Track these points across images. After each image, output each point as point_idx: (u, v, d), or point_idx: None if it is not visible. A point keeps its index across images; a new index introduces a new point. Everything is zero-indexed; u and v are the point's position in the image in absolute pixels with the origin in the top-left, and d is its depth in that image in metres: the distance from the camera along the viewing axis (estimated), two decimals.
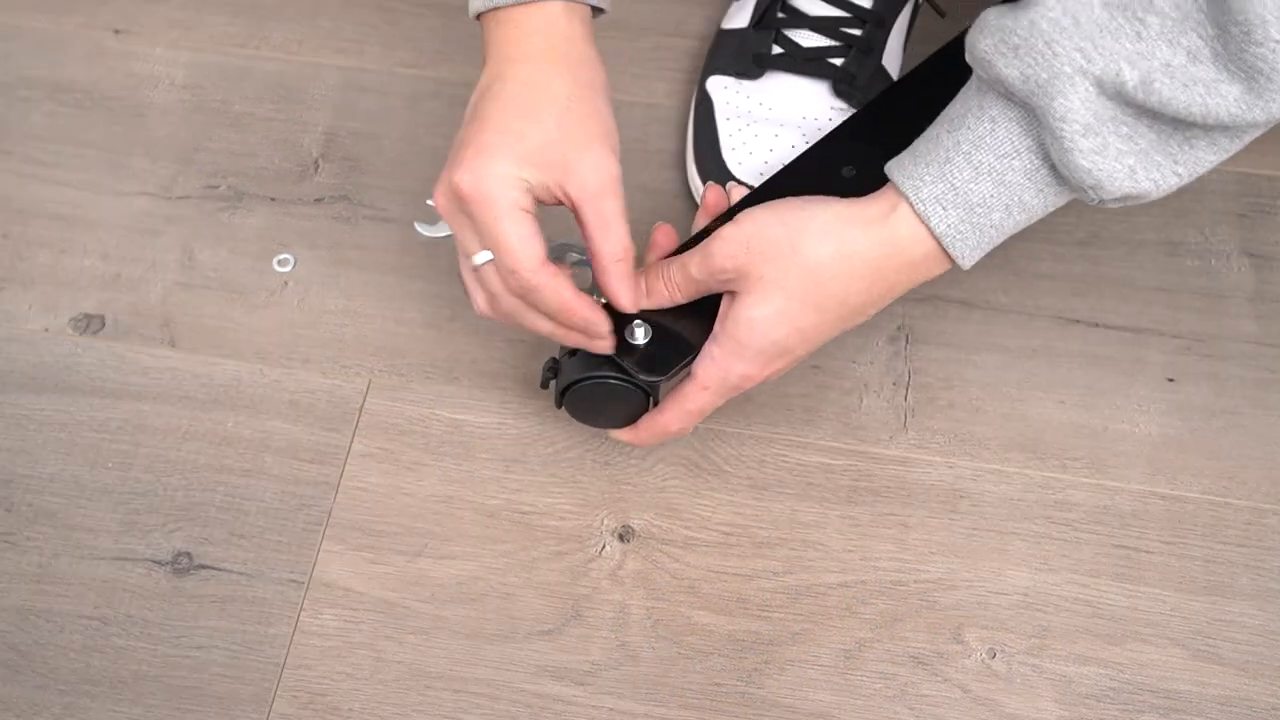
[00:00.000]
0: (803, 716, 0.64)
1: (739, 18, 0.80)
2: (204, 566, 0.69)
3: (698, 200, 0.74)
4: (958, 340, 0.75)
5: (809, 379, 0.74)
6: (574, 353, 0.63)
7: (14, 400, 0.74)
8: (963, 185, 0.55)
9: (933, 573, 0.68)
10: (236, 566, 0.69)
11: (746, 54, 0.78)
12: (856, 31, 0.77)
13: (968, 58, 0.55)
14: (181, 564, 0.69)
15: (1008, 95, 0.53)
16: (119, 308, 0.77)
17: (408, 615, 0.67)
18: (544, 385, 0.65)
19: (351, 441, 0.72)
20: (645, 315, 0.62)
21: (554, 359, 0.65)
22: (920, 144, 0.57)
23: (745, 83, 0.78)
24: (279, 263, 0.78)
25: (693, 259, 0.60)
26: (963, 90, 0.57)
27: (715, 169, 0.75)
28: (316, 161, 0.82)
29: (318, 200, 0.81)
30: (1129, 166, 0.52)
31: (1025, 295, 0.76)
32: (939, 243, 0.57)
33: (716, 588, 0.68)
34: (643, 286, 0.62)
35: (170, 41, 0.88)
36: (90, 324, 0.76)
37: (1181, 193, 0.79)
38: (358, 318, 0.76)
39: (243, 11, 0.89)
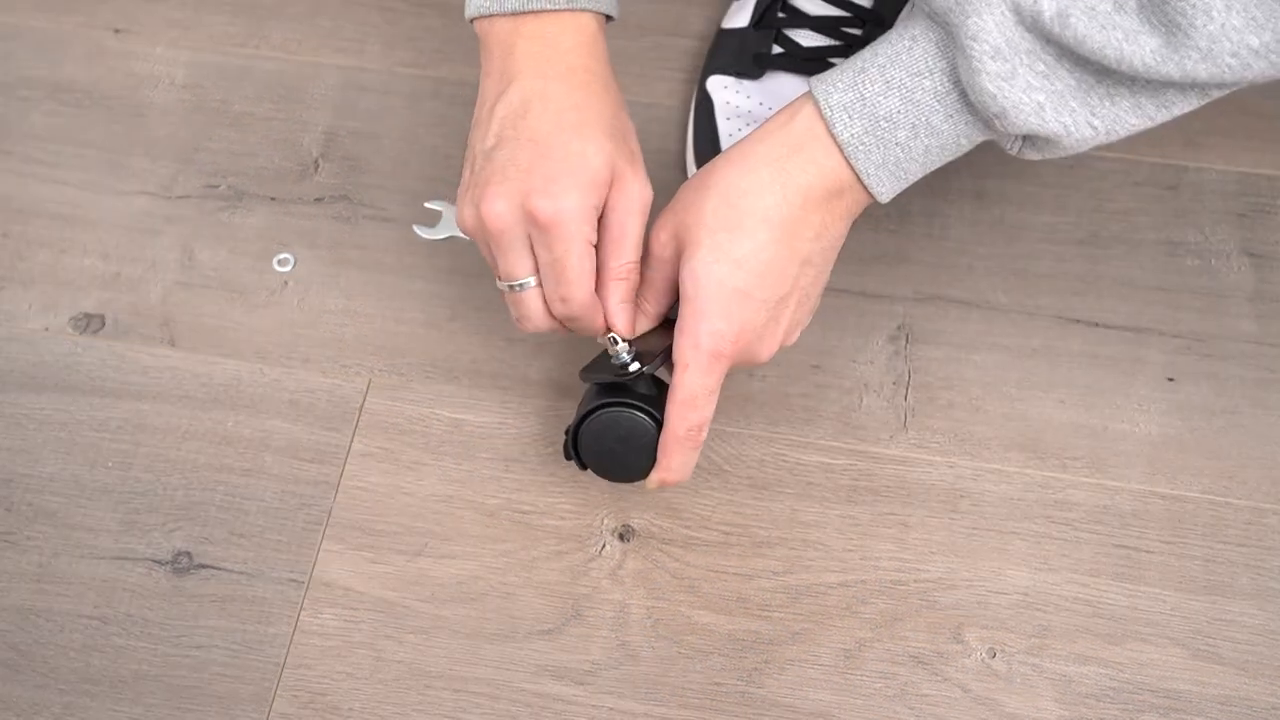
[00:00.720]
0: (803, 716, 0.65)
1: (739, 17, 0.80)
2: (204, 566, 0.69)
3: None
4: (958, 340, 0.75)
5: (809, 379, 0.74)
6: (583, 418, 0.62)
7: (14, 400, 0.74)
8: (872, 97, 0.56)
9: (933, 572, 0.68)
10: (236, 566, 0.69)
11: (747, 54, 0.78)
12: (856, 31, 0.77)
13: None
14: (181, 563, 0.69)
15: (932, 15, 0.54)
16: (119, 307, 0.77)
17: (408, 615, 0.67)
18: (567, 457, 0.64)
19: (351, 441, 0.72)
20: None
21: (567, 431, 0.63)
22: (847, 60, 0.58)
23: (745, 82, 0.78)
24: (279, 262, 0.78)
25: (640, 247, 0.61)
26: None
27: None
28: (316, 161, 0.82)
29: (318, 200, 0.81)
30: (1037, 102, 0.52)
31: (1025, 295, 0.76)
32: (842, 152, 0.57)
33: (716, 587, 0.68)
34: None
35: (170, 41, 0.88)
36: (90, 323, 0.76)
37: (1181, 193, 0.79)
38: (358, 317, 0.76)
39: (243, 11, 0.89)
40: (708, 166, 0.60)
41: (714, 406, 0.60)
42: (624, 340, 0.61)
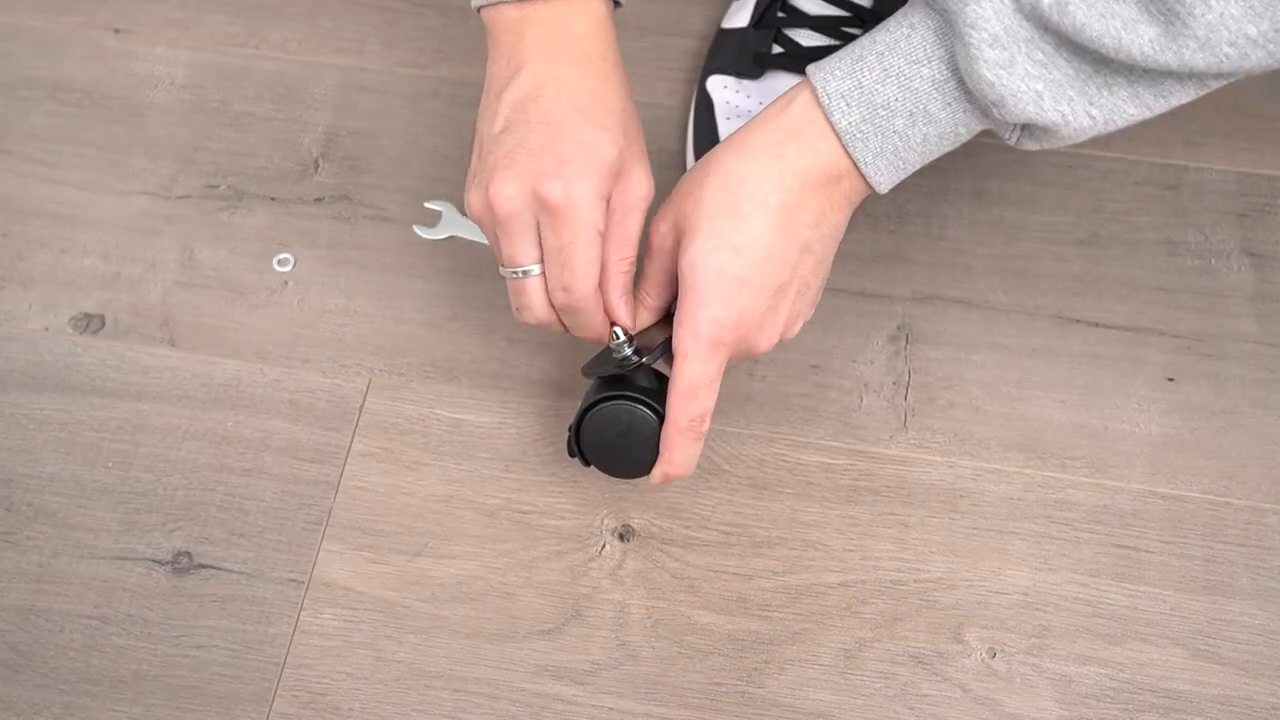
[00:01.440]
0: (803, 716, 0.65)
1: (739, 17, 0.80)
2: (204, 566, 0.69)
3: None
4: (958, 340, 0.75)
5: (809, 379, 0.74)
6: (584, 412, 0.62)
7: (14, 400, 0.74)
8: (870, 85, 0.55)
9: (933, 572, 0.68)
10: (236, 566, 0.69)
11: (747, 54, 0.78)
12: (856, 31, 0.77)
13: None
14: (181, 563, 0.69)
15: (930, 3, 0.54)
16: (119, 307, 0.77)
17: (408, 615, 0.67)
18: (571, 454, 0.64)
19: (351, 441, 0.72)
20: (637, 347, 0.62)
21: (570, 428, 0.63)
22: (845, 48, 0.57)
23: (745, 82, 0.78)
24: (279, 262, 0.78)
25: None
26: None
27: None
28: (316, 161, 0.82)
29: (318, 200, 0.81)
30: (1036, 91, 0.52)
31: (1025, 295, 0.76)
32: (840, 140, 0.56)
33: (716, 587, 0.68)
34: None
35: (170, 41, 0.88)
36: (90, 323, 0.76)
37: (1181, 193, 0.79)
38: (358, 317, 0.76)
39: (243, 11, 0.89)
40: (707, 156, 0.60)
41: (715, 396, 0.59)
42: (625, 334, 0.61)
